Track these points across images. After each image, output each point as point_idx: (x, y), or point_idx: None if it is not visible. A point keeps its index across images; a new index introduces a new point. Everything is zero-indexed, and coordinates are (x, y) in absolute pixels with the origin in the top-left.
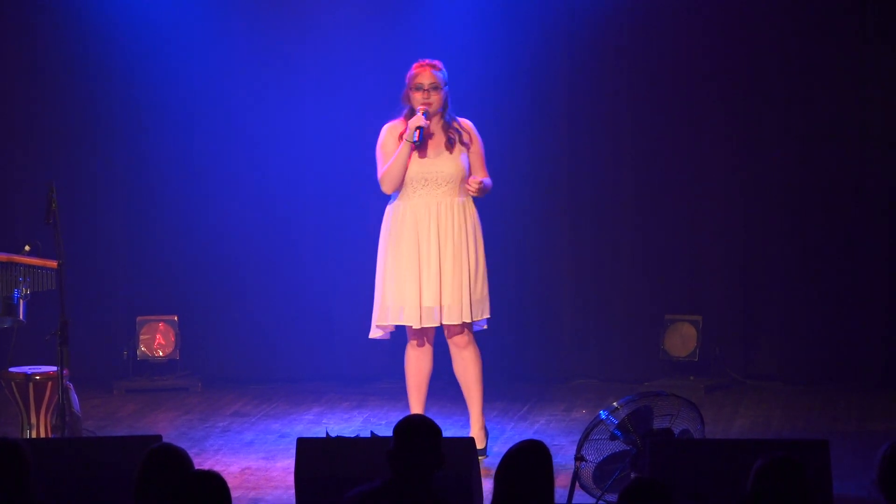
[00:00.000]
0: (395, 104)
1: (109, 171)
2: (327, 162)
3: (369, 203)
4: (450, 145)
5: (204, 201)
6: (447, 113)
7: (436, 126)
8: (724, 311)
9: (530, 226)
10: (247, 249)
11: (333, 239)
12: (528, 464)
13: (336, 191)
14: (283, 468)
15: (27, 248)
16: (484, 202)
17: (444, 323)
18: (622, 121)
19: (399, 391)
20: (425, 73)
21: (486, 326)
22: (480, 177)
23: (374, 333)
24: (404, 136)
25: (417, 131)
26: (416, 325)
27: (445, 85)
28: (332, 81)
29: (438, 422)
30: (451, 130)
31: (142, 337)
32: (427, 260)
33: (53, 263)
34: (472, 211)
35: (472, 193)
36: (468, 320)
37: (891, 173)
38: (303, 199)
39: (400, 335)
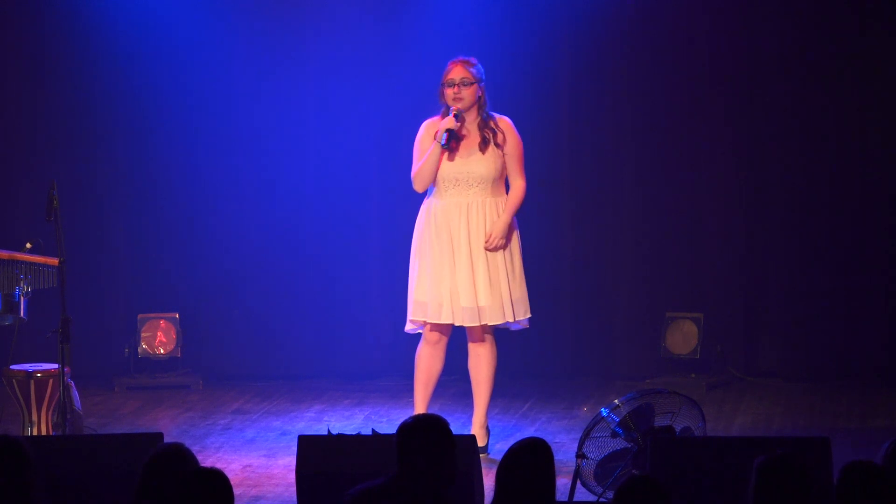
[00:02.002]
0: (396, 103)
1: (111, 168)
2: (328, 160)
3: (370, 201)
4: (483, 145)
5: (205, 199)
6: (484, 111)
7: (471, 125)
8: (726, 309)
9: (531, 223)
10: (248, 247)
11: (334, 237)
12: (530, 461)
13: (337, 189)
14: (285, 466)
15: (28, 245)
16: None
17: (485, 323)
18: (623, 118)
19: (400, 389)
20: (456, 69)
21: (527, 325)
22: (512, 180)
23: (410, 327)
24: (435, 137)
25: (446, 133)
26: (457, 323)
27: (480, 81)
28: (334, 81)
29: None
30: (486, 130)
31: (143, 334)
32: (462, 259)
33: (55, 261)
34: None
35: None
36: (511, 319)
37: (892, 171)
38: (304, 196)
39: (395, 331)
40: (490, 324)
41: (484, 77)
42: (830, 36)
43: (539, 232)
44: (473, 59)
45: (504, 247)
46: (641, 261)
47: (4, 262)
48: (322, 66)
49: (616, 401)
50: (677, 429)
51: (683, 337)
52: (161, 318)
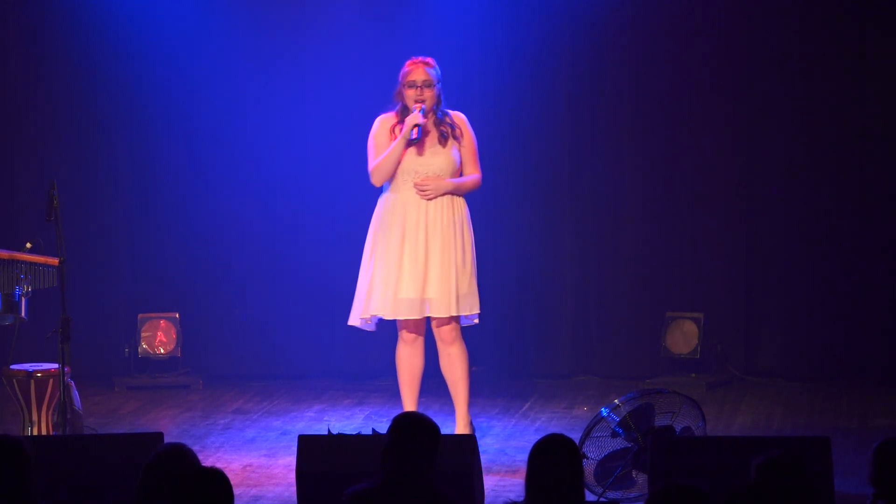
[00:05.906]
0: (392, 101)
1: (111, 168)
2: (327, 158)
3: (370, 200)
4: (443, 139)
5: (205, 198)
6: (439, 109)
7: (428, 122)
8: (726, 309)
9: (532, 223)
10: (248, 246)
11: (334, 236)
12: (565, 460)
13: (336, 187)
14: (285, 465)
15: (29, 245)
16: (487, 199)
17: (430, 316)
18: (624, 118)
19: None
20: (418, 71)
21: (476, 321)
22: (468, 173)
23: (353, 321)
24: (402, 133)
25: (416, 129)
26: (388, 317)
27: (438, 82)
28: (333, 80)
29: (439, 419)
30: (443, 125)
31: (143, 334)
32: (413, 252)
33: (55, 261)
34: (460, 206)
35: (421, 194)
36: (455, 314)
37: (892, 171)
38: (303, 195)
39: (393, 330)
40: (433, 316)
41: (441, 77)
42: (830, 36)
43: (539, 232)
44: (431, 60)
45: (430, 197)
46: (641, 261)
47: (4, 262)
48: (323, 66)
49: (616, 401)
50: (677, 428)
51: (684, 336)
52: (161, 318)
